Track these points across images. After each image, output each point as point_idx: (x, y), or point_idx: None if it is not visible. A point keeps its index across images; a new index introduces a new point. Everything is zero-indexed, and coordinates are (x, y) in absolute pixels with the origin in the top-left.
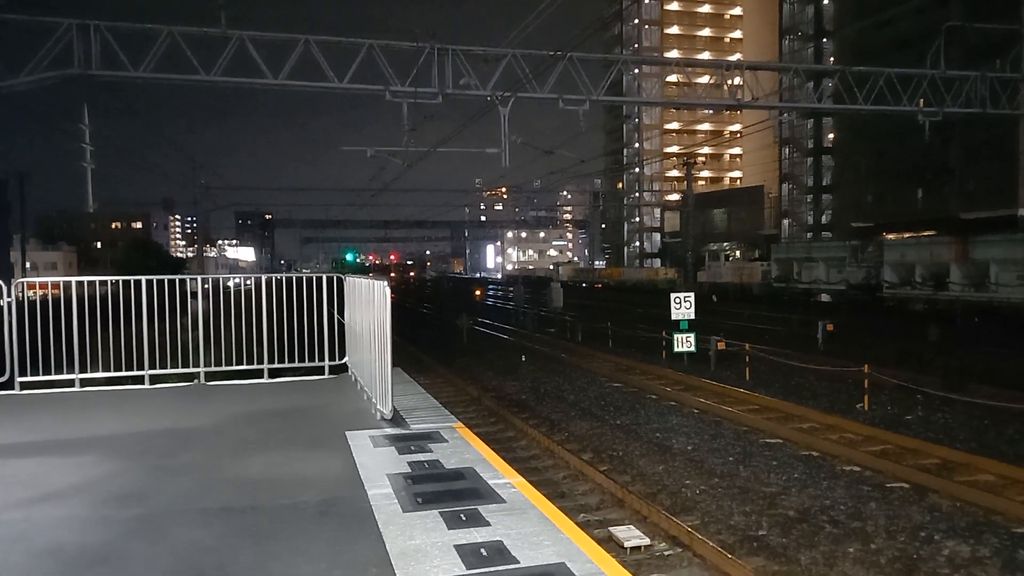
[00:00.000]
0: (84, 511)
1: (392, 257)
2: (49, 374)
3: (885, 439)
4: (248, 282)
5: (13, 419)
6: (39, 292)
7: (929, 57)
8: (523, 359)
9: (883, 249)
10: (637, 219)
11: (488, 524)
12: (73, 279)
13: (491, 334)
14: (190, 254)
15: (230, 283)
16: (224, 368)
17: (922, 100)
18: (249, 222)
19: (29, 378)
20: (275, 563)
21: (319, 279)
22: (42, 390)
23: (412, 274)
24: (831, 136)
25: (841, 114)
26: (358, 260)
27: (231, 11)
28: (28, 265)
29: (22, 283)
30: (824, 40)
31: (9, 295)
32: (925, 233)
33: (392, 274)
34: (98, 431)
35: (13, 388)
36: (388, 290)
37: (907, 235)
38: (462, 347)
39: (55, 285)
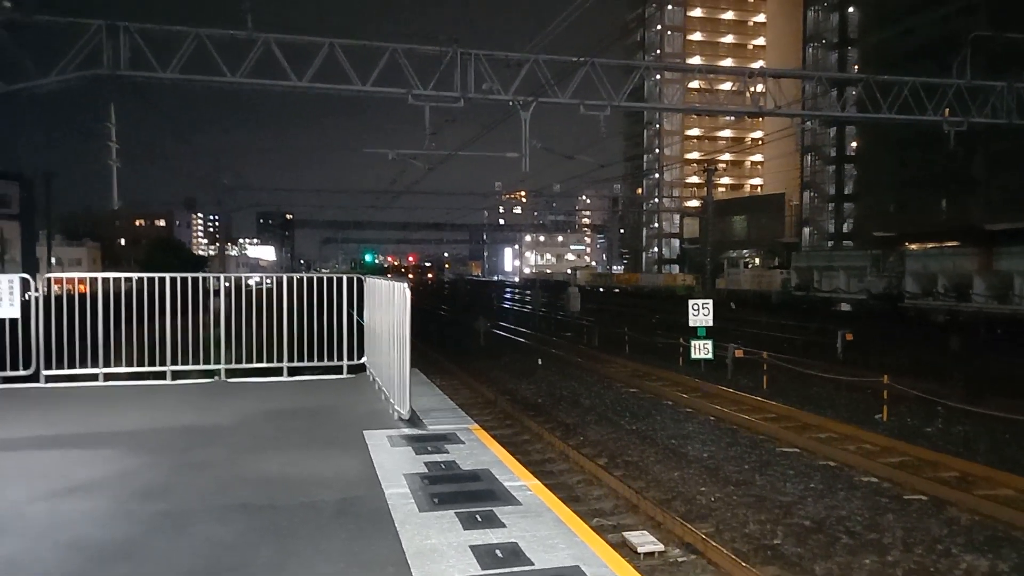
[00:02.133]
0: (107, 505)
1: (410, 259)
2: (74, 368)
3: (903, 450)
4: (268, 281)
5: (39, 412)
6: (65, 288)
7: (955, 66)
8: (539, 363)
9: (905, 259)
10: (656, 225)
11: (503, 526)
12: (99, 275)
13: (508, 337)
14: (212, 252)
15: (251, 282)
16: (244, 365)
17: (947, 109)
18: (270, 222)
19: (54, 371)
20: (294, 561)
21: (339, 279)
22: (66, 383)
23: (430, 276)
24: (854, 144)
25: (864, 123)
26: (376, 261)
27: (257, 14)
28: (53, 261)
29: (48, 279)
30: (848, 48)
31: (36, 290)
32: (948, 243)
33: (410, 275)
34: (121, 426)
35: (39, 381)
36: (408, 292)
37: (929, 245)
38: (479, 349)
39: (80, 281)
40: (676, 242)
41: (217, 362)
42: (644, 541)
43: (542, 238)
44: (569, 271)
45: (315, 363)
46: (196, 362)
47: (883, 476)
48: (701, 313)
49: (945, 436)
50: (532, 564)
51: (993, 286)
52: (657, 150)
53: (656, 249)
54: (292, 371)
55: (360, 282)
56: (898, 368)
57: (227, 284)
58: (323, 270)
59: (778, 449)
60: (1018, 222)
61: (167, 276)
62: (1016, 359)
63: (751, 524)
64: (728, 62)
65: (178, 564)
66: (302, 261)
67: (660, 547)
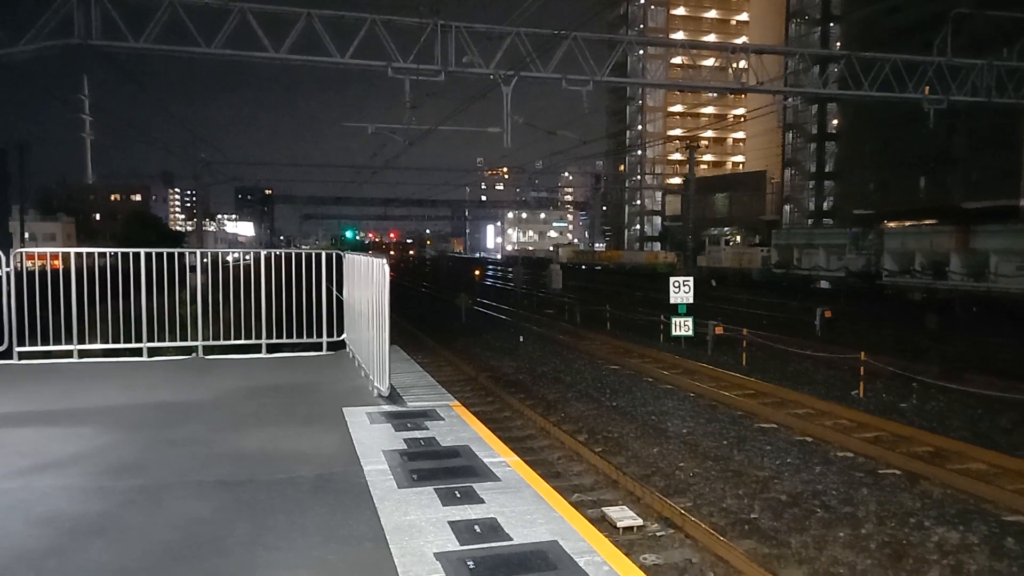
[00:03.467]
0: (82, 481)
1: (391, 235)
2: (47, 345)
3: (879, 426)
4: (247, 257)
5: (12, 389)
6: (38, 263)
7: (936, 44)
8: (521, 340)
9: (883, 237)
10: (638, 202)
11: (482, 501)
12: (72, 250)
13: (490, 314)
14: (189, 228)
15: (229, 258)
16: (222, 342)
17: (928, 88)
18: (249, 197)
19: (28, 348)
20: (271, 536)
21: (318, 255)
22: (40, 360)
23: (411, 253)
24: (835, 122)
25: (846, 100)
26: (357, 237)
27: None
28: (27, 235)
29: (21, 253)
30: (831, 24)
31: (8, 265)
32: (926, 222)
33: (391, 252)
34: (96, 402)
35: (11, 358)
36: (387, 268)
37: (908, 223)
38: (460, 327)
39: (54, 256)
40: (658, 219)
41: (195, 339)
42: (623, 516)
43: (524, 215)
44: (551, 248)
45: (294, 340)
46: (173, 339)
47: (858, 451)
48: (682, 290)
49: (920, 412)
50: (511, 539)
51: (969, 264)
52: (640, 126)
53: (638, 226)
54: (271, 348)
55: (339, 258)
56: (875, 345)
57: (204, 260)
58: (303, 246)
59: (756, 425)
60: (995, 200)
61: (143, 251)
62: (989, 337)
63: (729, 499)
64: (711, 37)
65: (153, 538)
66: (282, 237)
67: (639, 522)
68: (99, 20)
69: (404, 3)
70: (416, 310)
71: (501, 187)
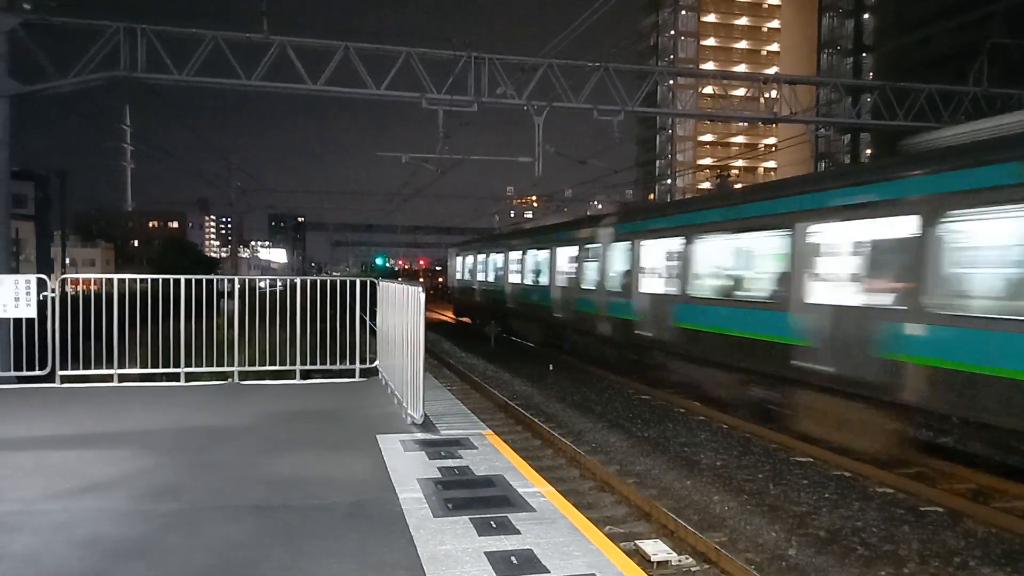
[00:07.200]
0: (122, 504)
1: (421, 262)
2: (88, 368)
3: (920, 461)
4: (280, 284)
5: (54, 412)
6: (81, 288)
7: (971, 74)
8: (550, 368)
9: None
10: None
11: (518, 532)
12: (115, 276)
13: (519, 342)
14: (224, 254)
15: (262, 284)
16: (257, 368)
17: (964, 117)
18: (282, 224)
19: (69, 372)
20: (306, 562)
21: (352, 283)
22: (81, 384)
23: (440, 280)
24: (868, 152)
25: (879, 130)
26: (388, 264)
27: (273, 17)
28: (67, 261)
29: (64, 279)
30: (863, 55)
31: (51, 290)
32: None
33: (421, 279)
34: (135, 426)
35: (54, 381)
36: (422, 295)
37: None
38: (489, 354)
39: (95, 282)
40: None
41: (230, 364)
42: (657, 550)
43: None
44: None
45: (328, 366)
46: (210, 364)
47: (899, 487)
48: None
49: (961, 447)
50: (548, 571)
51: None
52: (670, 155)
53: None
54: (305, 374)
55: (373, 285)
56: None
57: (239, 286)
58: (334, 273)
59: (792, 458)
60: None
61: (181, 278)
62: None
63: (765, 534)
64: (742, 68)
65: (191, 562)
66: (313, 264)
67: (673, 556)
68: (144, 53)
69: (438, 36)
70: (444, 337)
71: (530, 215)
